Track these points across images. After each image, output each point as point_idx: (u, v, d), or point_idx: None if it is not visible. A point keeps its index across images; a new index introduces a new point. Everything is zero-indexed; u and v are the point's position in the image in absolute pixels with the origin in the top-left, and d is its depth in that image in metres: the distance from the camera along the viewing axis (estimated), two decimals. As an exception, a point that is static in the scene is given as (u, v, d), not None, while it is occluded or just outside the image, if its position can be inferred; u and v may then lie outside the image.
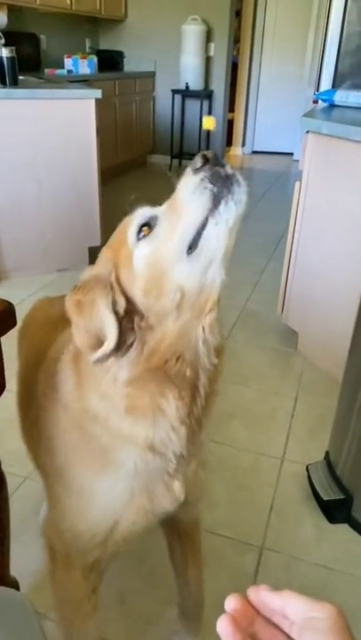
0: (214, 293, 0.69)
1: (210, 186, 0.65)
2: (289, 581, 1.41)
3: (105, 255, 0.75)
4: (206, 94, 6.13)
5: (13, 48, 2.95)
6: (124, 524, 0.86)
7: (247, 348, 2.54)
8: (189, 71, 5.91)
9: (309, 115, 2.33)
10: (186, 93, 6.08)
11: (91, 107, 3.06)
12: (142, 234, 0.70)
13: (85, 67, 5.29)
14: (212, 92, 6.20)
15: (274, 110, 7.39)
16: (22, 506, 1.51)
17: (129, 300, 0.70)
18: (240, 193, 0.66)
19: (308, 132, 2.24)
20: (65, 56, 5.27)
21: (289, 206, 2.41)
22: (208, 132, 6.31)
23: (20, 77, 3.13)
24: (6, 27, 3.77)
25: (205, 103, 6.16)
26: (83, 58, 5.31)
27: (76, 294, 0.71)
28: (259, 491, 1.72)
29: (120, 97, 5.56)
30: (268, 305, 2.77)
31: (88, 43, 6.16)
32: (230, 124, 7.14)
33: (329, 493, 1.59)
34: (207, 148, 6.38)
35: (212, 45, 5.98)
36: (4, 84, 2.94)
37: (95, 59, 5.45)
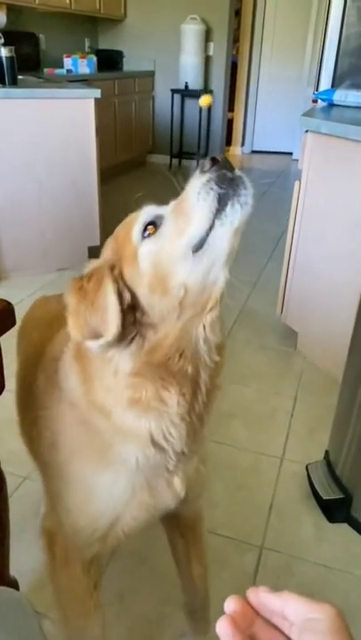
0: (217, 292, 0.70)
1: (216, 187, 0.65)
2: (289, 581, 1.42)
3: (109, 249, 0.75)
4: (206, 94, 6.12)
5: (13, 48, 2.96)
6: (125, 519, 0.87)
7: (247, 348, 2.54)
8: (189, 71, 5.90)
9: (309, 114, 2.33)
10: (185, 93, 6.08)
11: (90, 106, 3.05)
12: (147, 232, 0.70)
13: (85, 66, 5.29)
14: (211, 91, 6.19)
15: (273, 110, 7.38)
16: (22, 505, 1.51)
17: (132, 295, 0.71)
18: (246, 195, 0.66)
19: (307, 131, 2.24)
20: (64, 56, 5.27)
21: (288, 206, 2.41)
22: (208, 132, 6.32)
23: (20, 77, 3.13)
24: (5, 26, 3.77)
25: (205, 103, 6.16)
26: (82, 57, 5.31)
27: (79, 282, 0.71)
28: (258, 490, 1.72)
29: (119, 96, 5.56)
30: (268, 304, 2.77)
31: (87, 42, 6.16)
32: (230, 123, 7.14)
33: (329, 493, 1.59)
34: (207, 147, 6.39)
35: (212, 45, 5.98)
36: (4, 83, 2.94)
37: (94, 58, 5.45)
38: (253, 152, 7.74)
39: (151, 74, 6.31)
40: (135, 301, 0.71)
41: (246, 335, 2.64)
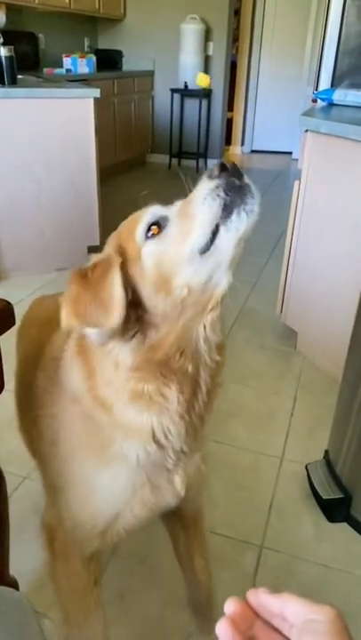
0: (218, 294, 0.71)
1: (223, 195, 0.66)
2: (289, 580, 1.42)
3: (112, 245, 0.76)
4: (205, 93, 6.13)
5: (12, 47, 2.96)
6: (126, 516, 0.87)
7: (246, 348, 2.54)
8: (188, 70, 5.90)
9: (308, 114, 2.33)
10: (185, 92, 6.08)
11: (89, 106, 3.05)
12: (151, 232, 0.71)
13: (84, 66, 5.29)
14: (210, 91, 6.19)
15: (273, 109, 7.39)
16: (21, 505, 1.51)
17: (133, 292, 0.71)
18: (253, 204, 0.67)
19: (306, 130, 2.24)
20: (63, 55, 5.27)
21: (288, 205, 2.41)
22: (207, 131, 6.31)
23: (19, 76, 3.13)
24: (5, 26, 3.76)
25: (204, 102, 6.16)
26: (81, 57, 5.31)
27: (83, 271, 0.71)
28: (258, 490, 1.72)
29: (119, 96, 5.56)
30: (268, 304, 2.77)
31: (87, 42, 6.16)
32: (229, 123, 7.14)
33: (328, 492, 1.59)
34: (206, 146, 6.39)
35: (211, 44, 5.97)
36: (3, 83, 2.93)
37: (94, 58, 5.45)
38: (253, 152, 7.75)
39: (151, 73, 6.30)
40: (136, 298, 0.71)
41: (246, 335, 2.64)
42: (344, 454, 1.57)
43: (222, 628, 0.46)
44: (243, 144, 7.69)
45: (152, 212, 0.73)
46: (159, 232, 0.71)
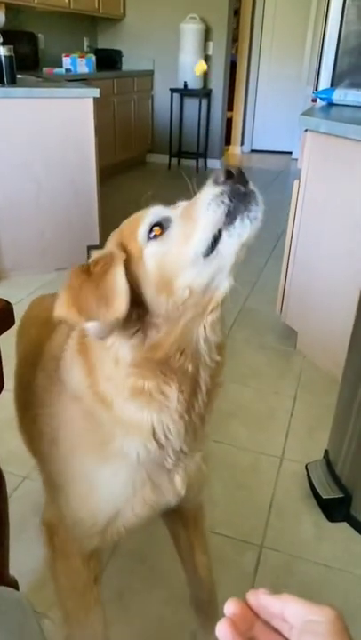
0: (219, 296, 0.72)
1: (227, 201, 0.67)
2: (289, 580, 1.42)
3: (113, 242, 0.76)
4: (205, 93, 6.13)
5: (11, 47, 2.96)
6: (126, 514, 0.88)
7: (246, 347, 2.54)
8: (188, 70, 5.90)
9: (308, 113, 2.33)
10: (184, 92, 6.08)
11: (89, 106, 3.05)
12: (153, 233, 0.71)
13: (84, 66, 5.29)
14: (210, 90, 6.19)
15: (272, 109, 7.39)
16: (21, 505, 1.51)
17: (133, 291, 0.71)
18: (257, 211, 0.68)
19: (306, 130, 2.24)
20: (63, 55, 5.26)
21: (288, 205, 2.41)
22: (207, 131, 6.31)
23: (18, 76, 3.13)
24: (4, 25, 3.77)
25: (204, 102, 6.16)
26: (81, 57, 5.30)
27: (85, 266, 0.71)
28: (258, 490, 1.72)
29: (118, 96, 5.55)
30: (267, 304, 2.77)
31: (86, 42, 6.16)
32: (229, 122, 7.14)
33: (328, 492, 1.59)
34: (206, 146, 6.39)
35: (211, 44, 5.97)
36: (2, 82, 2.93)
37: (93, 58, 5.45)
38: (253, 151, 7.75)
39: (150, 73, 6.30)
40: (137, 298, 0.72)
41: (246, 334, 2.64)
42: (344, 454, 1.57)
43: (222, 629, 0.46)
44: (242, 144, 7.69)
45: (155, 212, 0.73)
46: (162, 233, 0.71)
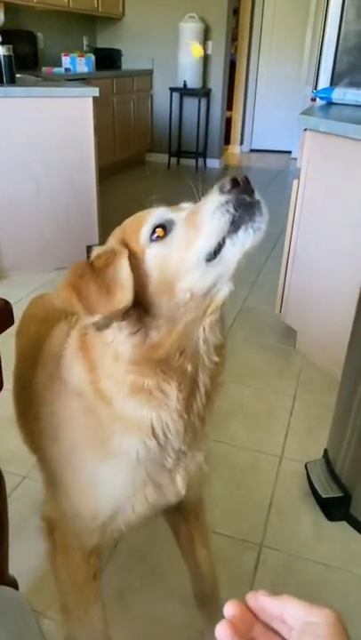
0: (218, 299, 0.73)
1: (232, 210, 0.67)
2: (288, 579, 1.42)
3: (115, 239, 0.76)
4: (204, 92, 6.12)
5: (10, 46, 2.96)
6: (126, 512, 0.88)
7: (246, 347, 2.54)
8: (187, 69, 5.90)
9: (307, 112, 2.33)
10: (184, 91, 6.08)
11: (88, 105, 3.05)
12: (156, 235, 0.72)
13: (83, 65, 5.28)
14: (209, 90, 6.19)
15: (272, 108, 7.39)
16: (21, 505, 1.51)
17: (135, 290, 0.71)
18: (261, 222, 0.68)
19: (305, 129, 2.24)
20: (62, 54, 5.26)
21: (287, 204, 2.41)
22: (206, 130, 6.31)
23: (18, 76, 3.13)
24: (3, 25, 3.77)
25: (203, 101, 6.15)
26: (80, 56, 5.30)
27: (87, 261, 0.72)
28: (258, 489, 1.72)
29: (118, 95, 5.55)
30: (267, 303, 2.77)
31: (85, 41, 6.15)
32: (228, 122, 7.14)
33: (328, 491, 1.60)
34: (205, 145, 6.38)
35: (210, 43, 5.97)
36: (2, 82, 2.93)
37: (93, 57, 5.44)
38: (252, 151, 7.75)
39: (150, 72, 6.30)
40: (136, 297, 0.72)
41: (245, 334, 2.64)
42: (343, 453, 1.57)
43: (222, 631, 0.46)
44: (242, 143, 7.69)
45: (158, 214, 0.74)
46: (165, 235, 0.72)
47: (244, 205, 0.67)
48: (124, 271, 0.70)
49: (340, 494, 1.57)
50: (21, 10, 4.76)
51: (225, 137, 6.90)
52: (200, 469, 0.93)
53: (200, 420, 0.83)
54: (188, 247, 0.70)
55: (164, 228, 0.72)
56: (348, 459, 1.55)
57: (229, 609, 0.47)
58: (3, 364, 0.92)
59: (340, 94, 2.45)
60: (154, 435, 0.80)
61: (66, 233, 3.23)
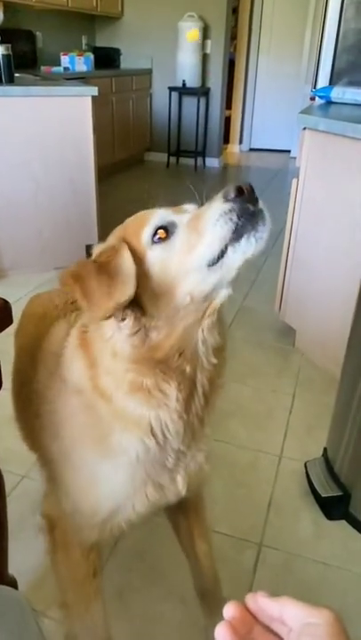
0: (217, 303, 0.74)
1: (235, 219, 0.68)
2: (287, 578, 1.42)
3: (116, 237, 0.77)
4: (203, 91, 6.12)
5: (9, 45, 2.95)
6: (126, 510, 0.89)
7: (245, 346, 2.54)
8: (186, 68, 5.89)
9: (306, 111, 2.33)
10: (183, 91, 6.07)
11: (87, 104, 3.04)
12: (158, 237, 0.72)
13: (82, 64, 5.28)
14: (208, 89, 6.19)
15: (271, 107, 7.38)
16: (20, 504, 1.51)
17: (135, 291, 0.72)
18: (263, 231, 0.69)
19: (305, 128, 2.24)
20: (61, 53, 5.25)
21: (286, 203, 2.41)
22: (205, 129, 6.31)
23: (16, 75, 3.13)
24: (2, 24, 3.77)
25: (202, 100, 6.15)
26: (79, 55, 5.29)
27: (89, 259, 0.73)
28: (257, 488, 1.72)
29: (117, 94, 5.54)
30: (266, 302, 2.77)
31: (84, 40, 6.15)
32: (227, 121, 7.13)
33: (327, 490, 1.60)
34: (204, 145, 6.38)
35: (209, 42, 5.96)
36: (0, 81, 2.93)
37: (91, 56, 5.43)
38: (251, 150, 7.74)
39: (149, 71, 6.30)
40: (135, 298, 0.72)
41: (244, 333, 2.64)
42: (343, 452, 1.57)
43: (221, 632, 0.46)
44: (241, 142, 7.69)
45: (161, 215, 0.75)
46: (166, 237, 0.72)
47: (247, 214, 0.68)
48: (126, 263, 0.71)
49: (340, 493, 1.57)
50: (20, 9, 4.75)
51: (224, 136, 6.90)
52: (201, 469, 0.94)
53: (199, 420, 0.84)
54: (190, 251, 0.70)
55: (166, 230, 0.73)
56: (347, 458, 1.55)
57: (229, 610, 0.47)
58: (2, 363, 0.92)
59: (339, 93, 2.45)
60: (153, 434, 0.80)
61: (65, 232, 3.23)
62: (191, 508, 1.12)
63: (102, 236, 0.79)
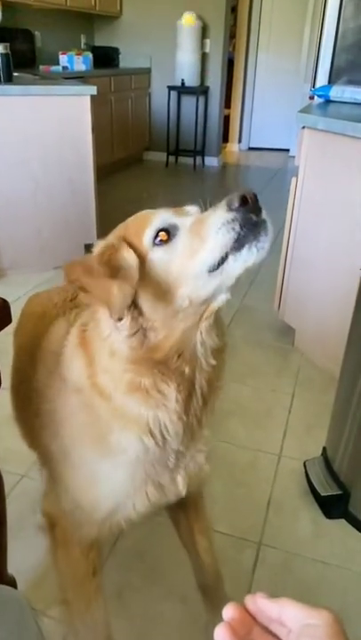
0: (214, 307, 0.75)
1: (238, 229, 0.68)
2: (287, 577, 1.42)
3: (117, 236, 0.77)
4: (202, 90, 6.12)
5: (8, 45, 2.95)
6: (126, 509, 0.89)
7: (244, 345, 2.54)
8: (185, 67, 5.89)
9: (305, 110, 2.33)
10: (182, 90, 6.07)
11: (86, 103, 3.04)
12: (159, 239, 0.73)
13: (80, 63, 5.27)
14: (207, 88, 6.19)
15: (270, 106, 7.37)
16: (19, 503, 1.51)
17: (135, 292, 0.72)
18: (265, 241, 0.70)
19: (304, 127, 2.24)
20: (60, 53, 5.25)
21: (286, 203, 2.41)
22: (204, 128, 6.30)
23: (15, 74, 3.12)
24: (1, 23, 3.75)
25: (201, 99, 6.15)
26: (78, 54, 5.28)
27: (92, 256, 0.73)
28: (256, 487, 1.72)
29: (116, 93, 5.54)
30: (265, 301, 2.77)
31: (83, 39, 6.14)
32: (226, 120, 7.13)
33: (326, 489, 1.60)
34: (203, 144, 6.37)
35: (208, 42, 5.96)
36: (-1, 80, 2.93)
37: (90, 55, 5.43)
38: (250, 149, 7.74)
39: (147, 71, 6.29)
40: (134, 299, 0.73)
41: (243, 332, 2.64)
42: (342, 451, 1.57)
43: (221, 634, 0.46)
44: (240, 141, 7.69)
45: (163, 217, 0.75)
46: (168, 240, 0.73)
47: (249, 224, 0.69)
48: (129, 257, 0.71)
49: (339, 492, 1.57)
50: (19, 8, 4.74)
51: (223, 135, 6.89)
52: (201, 470, 0.94)
53: (197, 421, 0.84)
54: (191, 256, 0.71)
55: (168, 233, 0.73)
56: (346, 457, 1.55)
57: (228, 612, 0.47)
58: (1, 362, 0.92)
59: (338, 92, 2.45)
60: (151, 434, 0.80)
61: (64, 232, 3.23)
62: (191, 504, 1.12)
63: (101, 236, 0.79)
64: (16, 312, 0.98)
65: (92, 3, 5.48)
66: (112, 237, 0.77)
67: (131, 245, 0.73)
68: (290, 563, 1.47)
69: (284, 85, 7.14)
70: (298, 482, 1.72)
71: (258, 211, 0.69)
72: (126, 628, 1.28)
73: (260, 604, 0.48)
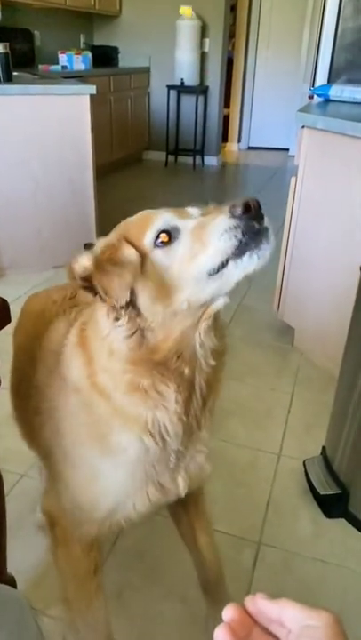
0: (212, 310, 0.75)
1: (240, 236, 0.69)
2: (286, 577, 1.42)
3: (117, 235, 0.77)
4: (202, 90, 6.12)
5: (7, 44, 2.95)
6: (126, 509, 0.90)
7: (243, 345, 2.54)
8: (184, 67, 5.89)
9: (305, 110, 2.33)
10: (181, 89, 6.07)
11: (85, 103, 3.04)
12: (160, 240, 0.73)
13: (80, 62, 5.26)
14: (207, 87, 6.18)
15: (269, 106, 7.37)
16: (19, 503, 1.51)
17: (133, 291, 0.72)
18: (266, 249, 0.70)
19: (303, 127, 2.24)
20: (59, 52, 5.24)
21: (285, 202, 2.41)
22: (204, 128, 6.30)
23: (14, 73, 3.12)
24: (0, 22, 3.75)
25: (201, 99, 6.14)
26: (77, 54, 5.28)
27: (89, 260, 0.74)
28: (256, 486, 1.72)
29: (115, 93, 5.54)
30: (265, 301, 2.77)
31: (82, 38, 6.14)
32: (226, 119, 7.13)
33: (326, 488, 1.60)
34: (203, 143, 6.37)
35: (207, 41, 5.95)
36: (-2, 80, 2.92)
37: (90, 54, 5.42)
38: (250, 148, 7.74)
39: (147, 70, 6.29)
40: (132, 299, 0.73)
41: (243, 332, 2.64)
42: (341, 450, 1.57)
43: (221, 635, 0.46)
44: (239, 141, 7.69)
45: (165, 219, 0.75)
46: (169, 242, 0.73)
47: (251, 232, 0.69)
48: (130, 254, 0.71)
49: (338, 491, 1.57)
50: (18, 8, 4.74)
51: (222, 134, 6.89)
52: (201, 470, 0.94)
53: (196, 422, 0.85)
54: (192, 260, 0.71)
55: (169, 235, 0.73)
56: (345, 456, 1.55)
57: (228, 612, 0.47)
58: (1, 362, 0.93)
59: (337, 91, 2.45)
60: (151, 434, 0.80)
61: (64, 231, 3.22)
62: (191, 501, 1.12)
63: (101, 235, 0.79)
64: (15, 311, 0.98)
65: (92, 2, 5.47)
66: (113, 236, 0.77)
67: (131, 245, 0.73)
68: (289, 562, 1.47)
69: (283, 85, 7.13)
70: (297, 481, 1.73)
71: (260, 218, 0.70)
72: (126, 627, 1.28)
73: (260, 604, 0.48)
